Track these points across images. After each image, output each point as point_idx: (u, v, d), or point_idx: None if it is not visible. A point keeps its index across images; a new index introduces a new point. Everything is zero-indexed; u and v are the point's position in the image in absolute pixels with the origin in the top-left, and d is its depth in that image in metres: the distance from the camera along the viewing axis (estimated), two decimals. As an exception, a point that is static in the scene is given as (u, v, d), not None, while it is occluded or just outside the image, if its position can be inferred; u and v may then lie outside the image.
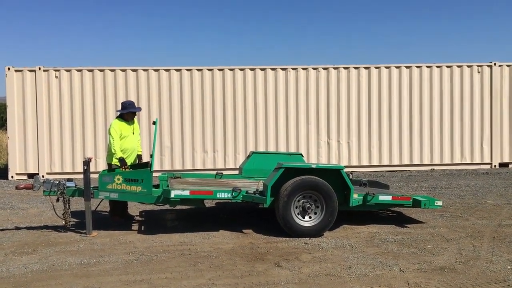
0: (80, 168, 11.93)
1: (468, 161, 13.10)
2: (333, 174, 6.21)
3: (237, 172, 8.82)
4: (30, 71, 12.08)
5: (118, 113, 7.11)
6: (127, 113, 6.96)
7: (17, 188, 6.54)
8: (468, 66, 13.10)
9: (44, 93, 12.09)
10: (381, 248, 5.59)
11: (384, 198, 6.54)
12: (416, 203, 6.64)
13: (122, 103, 7.08)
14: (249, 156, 8.09)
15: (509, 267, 4.83)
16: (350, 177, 6.82)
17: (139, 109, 7.38)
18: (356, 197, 6.36)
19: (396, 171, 12.80)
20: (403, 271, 4.74)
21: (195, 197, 6.22)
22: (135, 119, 7.21)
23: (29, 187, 6.39)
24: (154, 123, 6.53)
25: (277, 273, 4.72)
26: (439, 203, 6.74)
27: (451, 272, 4.69)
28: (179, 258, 5.24)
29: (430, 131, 13.01)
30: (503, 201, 8.38)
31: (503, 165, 13.21)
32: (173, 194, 6.08)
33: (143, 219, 7.37)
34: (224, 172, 10.88)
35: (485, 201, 8.46)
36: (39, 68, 12.08)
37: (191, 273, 4.74)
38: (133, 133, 7.01)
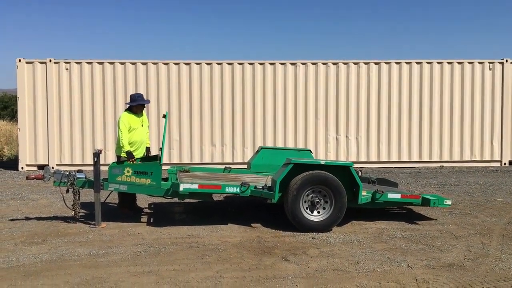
0: (89, 160, 12.02)
1: (478, 159, 13.01)
2: (342, 171, 6.19)
3: (245, 166, 8.82)
4: (41, 63, 12.16)
5: (127, 105, 7.14)
6: (136, 105, 6.98)
7: (27, 178, 6.60)
8: (480, 63, 12.98)
9: (54, 85, 12.16)
10: (389, 244, 5.57)
11: (393, 196, 6.52)
12: (425, 202, 6.61)
13: (131, 96, 7.10)
14: (257, 151, 8.08)
15: (518, 265, 4.79)
16: (359, 175, 6.79)
17: (148, 101, 7.39)
18: (364, 194, 6.34)
19: (405, 167, 12.74)
20: (411, 267, 4.72)
21: (204, 191, 6.24)
22: (144, 111, 7.23)
23: (40, 178, 6.45)
24: (164, 116, 6.55)
25: (285, 267, 4.73)
26: (448, 202, 6.70)
27: (460, 269, 4.67)
28: (187, 250, 5.26)
29: (439, 128, 12.92)
30: (513, 199, 8.32)
31: (513, 163, 13.10)
32: (182, 187, 6.10)
33: (152, 211, 7.41)
34: (232, 167, 10.88)
35: (494, 198, 8.40)
36: (50, 60, 12.15)
37: (199, 265, 4.76)
38: (142, 126, 7.04)
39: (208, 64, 12.52)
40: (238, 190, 6.21)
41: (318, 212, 6.11)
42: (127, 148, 6.75)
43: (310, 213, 6.09)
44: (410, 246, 5.48)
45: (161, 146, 6.53)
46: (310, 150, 8.02)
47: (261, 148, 8.02)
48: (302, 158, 6.63)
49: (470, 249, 5.35)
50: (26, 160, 12.12)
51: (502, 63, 13.00)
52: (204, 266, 4.75)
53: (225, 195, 8.02)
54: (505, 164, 13.02)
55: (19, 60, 12.07)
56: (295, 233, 5.98)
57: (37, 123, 12.13)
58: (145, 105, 7.27)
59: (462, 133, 12.96)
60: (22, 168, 12.07)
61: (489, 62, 12.99)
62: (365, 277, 4.46)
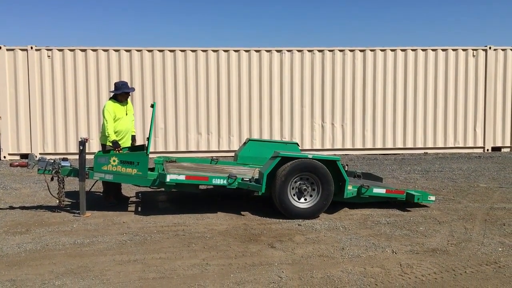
0: (73, 148, 11.90)
1: (461, 145, 13.18)
2: (329, 165, 6.22)
3: (231, 154, 8.81)
4: (22, 50, 11.94)
5: (112, 93, 7.04)
6: (121, 93, 6.89)
7: (11, 165, 6.49)
8: (463, 50, 13.09)
9: (36, 72, 11.97)
10: (374, 230, 5.63)
11: (378, 191, 6.60)
12: (410, 197, 6.68)
13: (115, 84, 7.00)
14: (245, 143, 8.06)
15: (500, 249, 4.88)
16: (346, 169, 6.82)
17: (133, 89, 7.29)
18: (350, 189, 6.39)
19: (390, 154, 12.85)
20: (396, 253, 4.78)
21: (191, 182, 6.22)
22: (129, 99, 7.15)
23: (24, 165, 6.35)
24: (152, 106, 6.48)
25: (271, 254, 4.75)
26: (432, 198, 6.77)
27: (443, 254, 4.74)
28: (173, 238, 5.25)
29: (424, 115, 13.04)
30: (495, 185, 8.45)
31: (495, 149, 13.31)
32: (168, 178, 6.07)
33: (137, 200, 7.37)
34: (218, 155, 10.82)
35: (477, 184, 8.52)
36: (31, 48, 11.93)
37: (185, 253, 4.76)
38: (127, 114, 6.96)
39: (193, 51, 12.41)
40: (225, 182, 6.20)
41: (305, 199, 6.14)
42: (112, 137, 6.67)
43: (297, 200, 6.12)
44: (395, 231, 5.54)
45: (148, 136, 6.47)
46: (297, 143, 8.02)
47: (249, 140, 8.00)
48: (290, 152, 6.65)
49: (453, 234, 5.43)
50: (8, 149, 11.95)
51: (485, 50, 13.13)
52: (190, 254, 4.74)
53: (211, 183, 7.99)
54: (487, 150, 13.21)
55: (0, 48, 11.84)
56: (281, 220, 6.00)
57: (19, 111, 11.95)
58: (130, 93, 7.18)
59: (446, 120, 13.10)
60: (5, 157, 11.90)
61: (473, 49, 13.11)
62: (350, 262, 4.50)
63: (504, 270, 4.28)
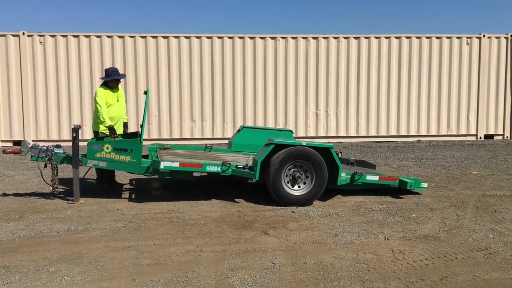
0: (66, 135, 11.85)
1: (454, 133, 13.26)
2: (323, 153, 6.23)
3: (225, 141, 8.79)
4: (14, 36, 11.82)
5: (102, 80, 6.99)
6: (111, 80, 6.84)
7: (4, 152, 6.45)
8: (457, 38, 13.10)
9: (28, 58, 11.86)
10: (366, 217, 5.67)
11: (371, 178, 6.63)
12: (402, 184, 6.72)
13: (106, 70, 6.94)
14: (239, 130, 8.05)
15: (491, 235, 4.94)
16: (339, 156, 6.86)
17: (123, 76, 7.20)
18: (344, 176, 6.42)
19: (383, 141, 12.90)
20: (388, 239, 4.82)
21: (185, 169, 6.22)
22: (121, 86, 7.10)
23: (17, 152, 6.32)
24: (145, 93, 6.45)
25: (264, 241, 4.78)
26: (425, 185, 6.82)
27: (435, 240, 4.79)
28: (167, 225, 5.27)
29: (417, 103, 13.08)
30: (487, 172, 8.52)
31: (488, 136, 13.39)
32: (162, 165, 6.07)
33: (131, 187, 7.37)
34: (212, 142, 10.77)
35: (469, 172, 8.59)
36: (23, 33, 11.81)
37: (179, 240, 4.78)
38: (118, 101, 6.91)
39: (186, 37, 12.33)
40: (219, 169, 6.21)
41: (299, 187, 6.17)
42: (109, 123, 6.64)
43: (291, 187, 6.15)
44: (387, 218, 5.59)
45: (141, 123, 6.44)
46: (291, 131, 8.02)
47: (243, 127, 7.99)
48: (284, 139, 6.66)
49: (445, 221, 5.49)
50: (1, 135, 11.89)
51: (479, 38, 13.14)
52: (184, 240, 4.76)
53: (205, 170, 7.99)
54: (480, 138, 13.30)
55: (-9, 33, 11.71)
56: (275, 207, 6.03)
57: (12, 98, 11.86)
58: (121, 80, 7.13)
59: (439, 108, 13.14)
60: (-3, 144, 11.84)
61: (467, 37, 13.11)
62: (343, 249, 4.54)
63: (494, 256, 4.34)
